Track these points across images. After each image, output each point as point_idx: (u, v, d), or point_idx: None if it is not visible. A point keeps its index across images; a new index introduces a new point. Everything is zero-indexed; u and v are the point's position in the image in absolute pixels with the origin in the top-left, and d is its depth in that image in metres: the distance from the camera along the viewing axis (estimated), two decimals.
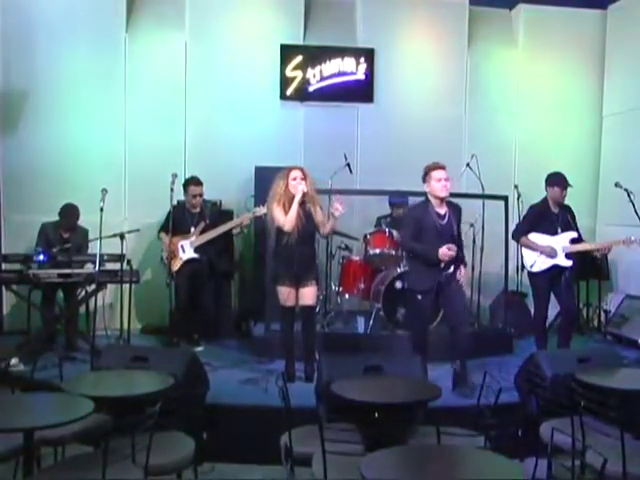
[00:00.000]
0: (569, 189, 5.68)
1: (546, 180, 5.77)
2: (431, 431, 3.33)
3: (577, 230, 5.74)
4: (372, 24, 7.37)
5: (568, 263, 5.63)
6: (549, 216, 5.70)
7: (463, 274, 4.99)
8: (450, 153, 7.16)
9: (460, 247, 4.99)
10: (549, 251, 5.61)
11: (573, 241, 5.68)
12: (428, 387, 3.70)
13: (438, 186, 4.84)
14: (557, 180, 5.67)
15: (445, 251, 4.76)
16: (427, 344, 4.97)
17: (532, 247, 5.68)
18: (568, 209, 5.78)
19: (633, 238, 5.64)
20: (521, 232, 5.74)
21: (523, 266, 5.88)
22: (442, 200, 4.90)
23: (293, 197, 4.96)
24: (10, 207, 6.85)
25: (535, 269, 5.69)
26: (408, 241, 5.04)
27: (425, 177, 4.92)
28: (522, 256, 5.83)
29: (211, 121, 7.12)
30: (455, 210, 4.99)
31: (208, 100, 7.12)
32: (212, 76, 7.15)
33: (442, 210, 4.92)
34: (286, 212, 4.96)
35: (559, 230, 5.67)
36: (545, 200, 5.76)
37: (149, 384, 3.55)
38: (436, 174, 4.85)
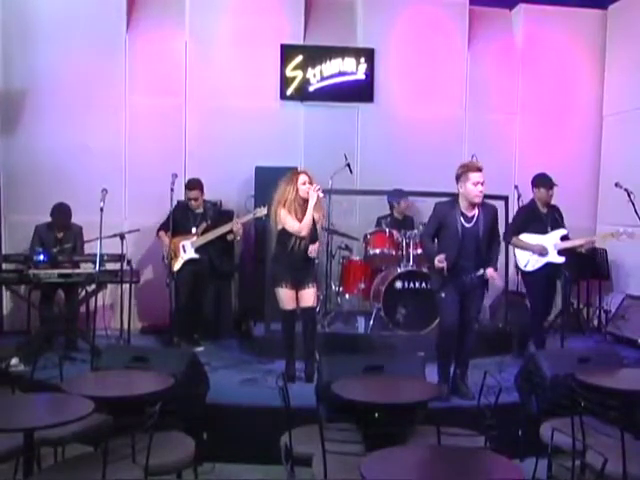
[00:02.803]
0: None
1: (532, 182, 5.95)
2: (431, 431, 3.33)
3: (565, 227, 5.87)
4: (372, 24, 7.37)
5: (560, 260, 5.76)
6: (538, 216, 5.84)
7: (493, 275, 4.68)
8: (450, 153, 7.17)
9: (491, 251, 4.76)
10: (540, 250, 5.73)
11: (564, 238, 5.82)
12: (428, 387, 3.70)
13: (474, 191, 4.55)
14: (542, 181, 5.84)
15: (436, 262, 4.58)
16: (451, 348, 4.78)
17: (523, 247, 5.80)
18: (556, 208, 5.93)
19: (621, 230, 5.77)
20: (512, 233, 5.83)
21: (516, 266, 5.97)
22: (473, 203, 4.63)
23: (304, 201, 4.94)
24: (10, 207, 6.85)
25: (529, 268, 5.81)
26: (424, 237, 4.91)
27: (460, 176, 4.61)
28: (515, 256, 5.95)
29: (211, 121, 7.12)
30: (488, 213, 4.70)
31: (208, 100, 7.12)
32: (212, 76, 7.14)
33: (471, 212, 4.65)
34: (297, 217, 4.93)
35: (549, 229, 5.81)
36: (533, 201, 5.93)
37: (149, 384, 3.55)
38: (474, 176, 4.53)
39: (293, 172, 5.11)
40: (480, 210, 4.69)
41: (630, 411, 3.50)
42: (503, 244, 5.80)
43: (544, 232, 5.79)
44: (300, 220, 4.94)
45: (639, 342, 6.28)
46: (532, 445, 3.77)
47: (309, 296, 5.05)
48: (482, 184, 4.56)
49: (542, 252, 5.71)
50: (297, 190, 4.97)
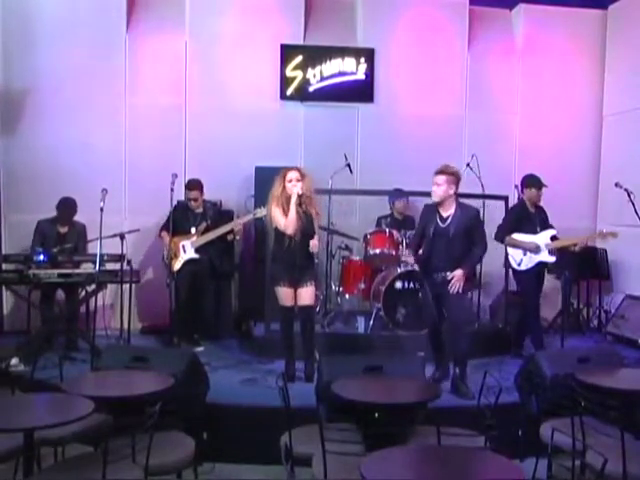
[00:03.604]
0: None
1: (522, 182, 6.06)
2: (431, 431, 3.33)
3: (553, 227, 6.02)
4: (372, 24, 7.37)
5: (552, 259, 5.91)
6: (528, 216, 5.96)
7: (455, 279, 4.73)
8: (450, 153, 7.15)
9: (469, 254, 4.82)
10: (534, 247, 5.85)
11: (553, 238, 5.94)
12: (428, 387, 3.70)
13: (432, 190, 4.87)
14: (533, 181, 5.96)
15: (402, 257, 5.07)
16: (437, 341, 5.05)
17: (517, 245, 5.89)
18: (542, 209, 6.05)
19: (605, 230, 6.06)
20: (504, 232, 5.89)
21: (509, 265, 6.05)
22: (442, 203, 4.83)
23: (290, 199, 4.94)
24: (10, 207, 6.85)
25: (522, 267, 5.92)
26: (413, 237, 5.21)
27: None
28: (508, 255, 6.00)
29: (211, 121, 7.11)
30: (465, 214, 4.84)
31: (208, 100, 7.12)
32: (212, 76, 7.14)
33: (445, 213, 4.84)
34: (285, 214, 4.94)
35: (538, 229, 5.93)
36: (522, 201, 6.03)
37: (149, 384, 3.55)
38: (433, 178, 4.85)
39: (283, 169, 5.09)
40: (457, 211, 4.84)
41: (630, 411, 3.50)
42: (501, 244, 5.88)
43: (534, 232, 5.92)
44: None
45: (639, 342, 6.28)
46: (532, 445, 3.77)
47: (307, 294, 5.04)
48: (437, 185, 4.79)
49: (535, 250, 5.85)
50: (284, 187, 4.97)
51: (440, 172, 4.82)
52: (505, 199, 6.17)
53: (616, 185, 6.08)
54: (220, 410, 4.44)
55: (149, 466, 2.97)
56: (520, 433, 4.20)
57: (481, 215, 6.31)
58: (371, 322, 6.12)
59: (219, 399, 4.48)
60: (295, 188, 4.92)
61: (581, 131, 7.72)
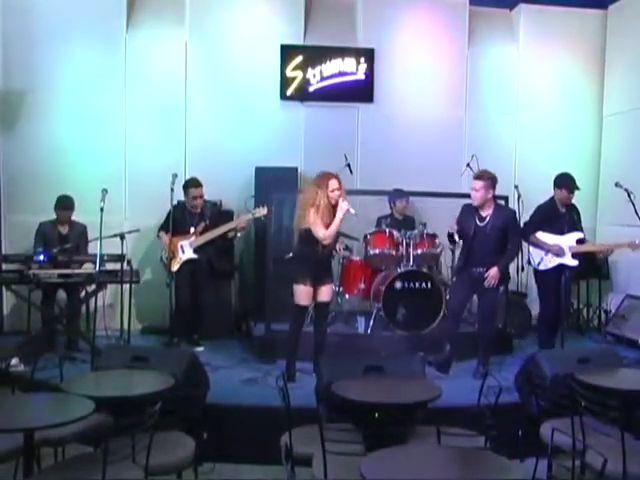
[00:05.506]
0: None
1: (555, 181, 5.86)
2: (431, 431, 3.34)
3: (582, 230, 5.85)
4: (372, 24, 7.36)
5: (574, 263, 5.75)
6: (556, 216, 5.81)
7: (490, 277, 5.17)
8: (450, 153, 7.17)
9: (504, 252, 5.22)
10: (557, 250, 5.72)
11: (579, 241, 5.78)
12: (428, 387, 3.70)
13: (471, 194, 5.27)
14: (566, 183, 5.78)
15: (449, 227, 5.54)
16: (454, 330, 5.47)
17: (541, 246, 5.78)
18: (574, 208, 5.90)
19: (638, 242, 5.74)
20: (530, 231, 5.82)
21: (529, 263, 5.99)
22: (482, 205, 5.22)
23: (333, 207, 4.94)
24: (10, 207, 6.84)
25: (542, 267, 5.81)
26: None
27: None
28: (529, 254, 5.92)
29: (211, 121, 7.11)
30: (500, 215, 5.24)
31: (208, 100, 7.11)
32: (212, 76, 7.14)
33: (484, 213, 5.25)
34: (325, 224, 4.92)
35: (565, 230, 5.77)
36: (552, 200, 5.87)
37: (149, 384, 3.56)
38: (472, 183, 5.28)
39: (324, 175, 5.06)
40: (495, 212, 5.24)
41: (630, 411, 3.50)
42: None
43: (561, 233, 5.77)
44: (327, 225, 4.94)
45: (639, 342, 6.28)
46: (532, 445, 3.77)
47: (327, 292, 5.15)
48: (475, 190, 5.20)
49: (559, 253, 5.71)
50: (328, 196, 4.95)
51: (478, 177, 5.23)
52: (505, 199, 6.15)
53: (616, 185, 6.05)
54: (220, 410, 4.44)
55: (149, 466, 2.97)
56: (520, 433, 4.19)
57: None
58: (371, 322, 6.12)
59: (219, 399, 4.48)
60: (344, 203, 4.91)
61: (581, 131, 7.72)
